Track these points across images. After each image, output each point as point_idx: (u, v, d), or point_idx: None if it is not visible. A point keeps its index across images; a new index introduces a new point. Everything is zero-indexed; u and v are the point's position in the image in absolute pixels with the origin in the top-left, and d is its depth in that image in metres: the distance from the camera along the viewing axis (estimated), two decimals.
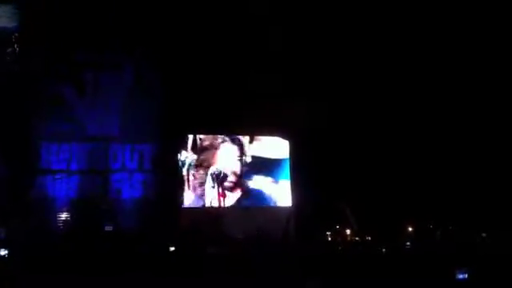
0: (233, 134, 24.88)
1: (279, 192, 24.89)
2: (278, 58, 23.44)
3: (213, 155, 24.51)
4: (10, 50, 22.58)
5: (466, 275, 14.89)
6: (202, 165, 24.36)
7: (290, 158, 25.06)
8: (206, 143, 24.68)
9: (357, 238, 22.32)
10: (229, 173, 24.44)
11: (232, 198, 24.44)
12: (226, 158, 24.69)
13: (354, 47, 23.83)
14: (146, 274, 13.61)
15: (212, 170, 24.26)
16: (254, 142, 25.03)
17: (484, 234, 22.04)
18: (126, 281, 13.56)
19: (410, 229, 22.85)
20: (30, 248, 18.91)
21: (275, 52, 23.43)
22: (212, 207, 23.82)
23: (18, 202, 21.77)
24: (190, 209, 23.71)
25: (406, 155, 23.26)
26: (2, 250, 18.74)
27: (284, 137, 25.13)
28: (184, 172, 24.05)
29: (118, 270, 14.59)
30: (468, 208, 22.22)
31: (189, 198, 24.05)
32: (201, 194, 24.16)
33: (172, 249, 16.25)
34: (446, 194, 22.44)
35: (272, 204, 24.78)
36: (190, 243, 18.13)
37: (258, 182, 24.74)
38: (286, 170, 25.10)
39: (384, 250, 18.74)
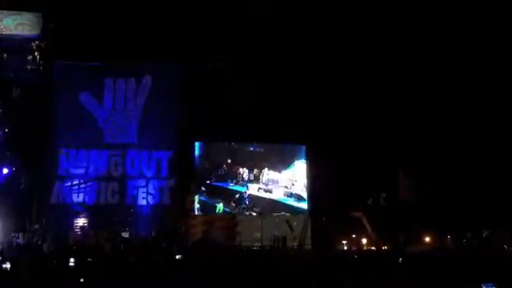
0: (249, 141, 24.67)
1: (295, 199, 24.52)
2: (296, 61, 23.34)
3: (229, 164, 24.35)
4: (30, 57, 23.00)
5: None
6: (218, 174, 24.22)
7: (307, 164, 24.63)
8: (222, 151, 24.54)
9: (373, 248, 21.95)
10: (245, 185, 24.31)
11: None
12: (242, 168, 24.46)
13: (374, 53, 23.58)
14: (155, 281, 13.63)
15: (228, 183, 24.11)
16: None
17: (506, 246, 21.44)
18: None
19: (428, 239, 22.42)
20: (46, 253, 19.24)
21: (294, 55, 23.33)
22: (226, 215, 23.63)
23: (36, 207, 22.10)
24: (203, 216, 23.46)
25: (422, 163, 22.84)
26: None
27: (301, 142, 24.84)
28: (199, 180, 23.89)
29: (130, 277, 14.63)
30: (488, 216, 21.74)
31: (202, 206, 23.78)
32: (215, 201, 23.87)
33: (178, 257, 16.14)
34: (467, 202, 21.97)
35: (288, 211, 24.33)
36: (201, 250, 18.11)
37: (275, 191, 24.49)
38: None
39: (400, 259, 18.30)
